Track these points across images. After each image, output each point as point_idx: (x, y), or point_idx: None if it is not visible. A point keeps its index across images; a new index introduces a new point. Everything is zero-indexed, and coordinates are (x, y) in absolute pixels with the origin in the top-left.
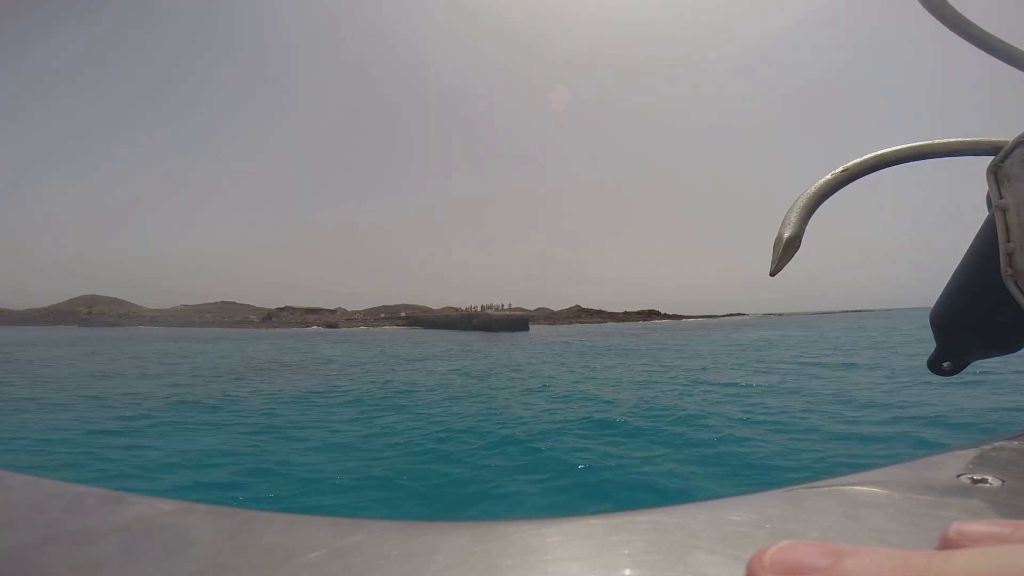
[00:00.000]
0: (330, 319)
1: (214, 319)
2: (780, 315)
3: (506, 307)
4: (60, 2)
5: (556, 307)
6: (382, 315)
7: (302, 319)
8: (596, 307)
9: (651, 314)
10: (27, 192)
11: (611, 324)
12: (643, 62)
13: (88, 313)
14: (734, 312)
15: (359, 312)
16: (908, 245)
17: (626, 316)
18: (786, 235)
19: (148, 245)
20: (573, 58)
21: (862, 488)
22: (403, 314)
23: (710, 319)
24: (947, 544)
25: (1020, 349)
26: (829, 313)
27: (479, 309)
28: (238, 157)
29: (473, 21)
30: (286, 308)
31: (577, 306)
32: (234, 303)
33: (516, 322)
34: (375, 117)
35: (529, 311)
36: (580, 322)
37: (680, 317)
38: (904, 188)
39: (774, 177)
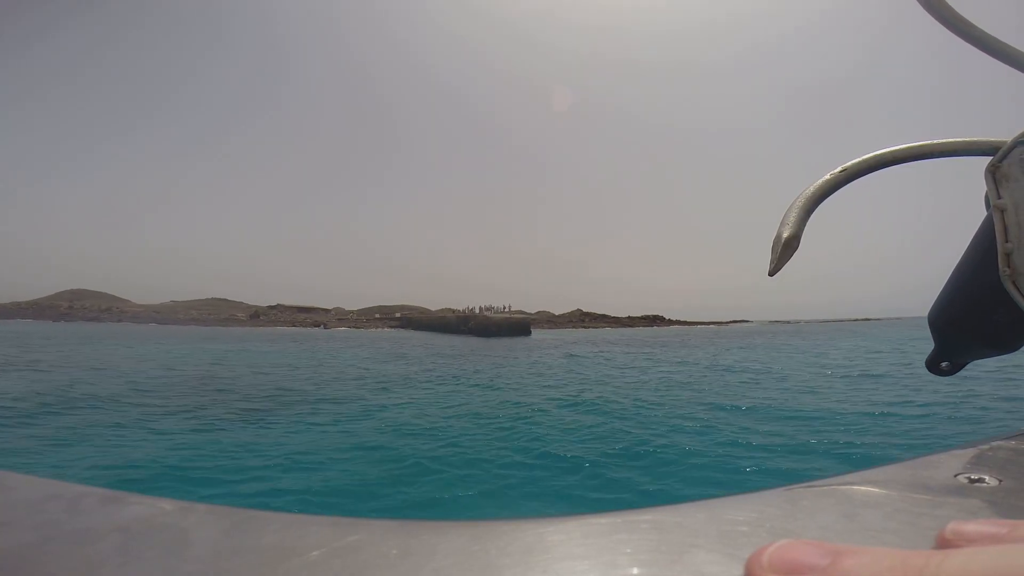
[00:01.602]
0: (319, 319)
1: (199, 316)
2: (788, 323)
3: (507, 309)
4: (60, 2)
5: (557, 310)
6: (376, 315)
7: (292, 318)
8: (597, 311)
9: (655, 320)
10: (27, 189)
11: (622, 330)
12: (645, 64)
13: (69, 307)
14: (738, 319)
15: (352, 312)
16: (910, 252)
17: (631, 321)
18: (785, 235)
19: (148, 242)
20: (574, 59)
21: (860, 487)
22: (398, 315)
23: (716, 326)
24: (943, 544)
25: (1018, 349)
26: (839, 321)
27: (477, 311)
28: (240, 156)
29: (473, 21)
30: (277, 306)
31: (579, 310)
32: (226, 300)
33: (516, 326)
34: (376, 117)
35: (530, 314)
36: (584, 327)
37: (687, 323)
38: (908, 193)
39: (777, 180)
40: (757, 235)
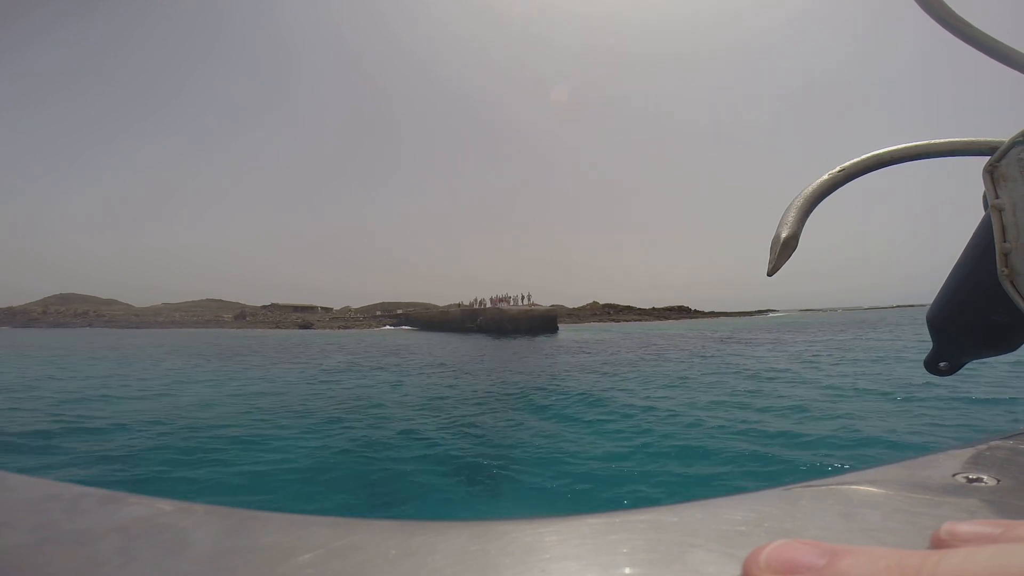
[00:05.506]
0: (309, 318)
1: (181, 319)
2: (823, 311)
3: (526, 300)
4: (60, 2)
5: (571, 304)
6: (378, 312)
7: (281, 317)
8: (612, 304)
9: (682, 311)
10: (27, 191)
11: (654, 323)
12: (657, 57)
13: (42, 312)
14: (763, 308)
15: (351, 310)
16: (916, 243)
17: (658, 313)
18: (783, 235)
19: (149, 244)
20: (582, 54)
21: (858, 487)
22: (399, 311)
23: (758, 315)
24: (938, 544)
25: (1016, 348)
26: (879, 309)
27: (488, 303)
28: (246, 155)
29: (477, 18)
30: (270, 306)
31: (595, 302)
32: (220, 301)
33: (539, 320)
34: (382, 115)
35: (545, 307)
36: (612, 319)
37: (715, 315)
38: (915, 190)
39: (791, 170)
40: (767, 226)
